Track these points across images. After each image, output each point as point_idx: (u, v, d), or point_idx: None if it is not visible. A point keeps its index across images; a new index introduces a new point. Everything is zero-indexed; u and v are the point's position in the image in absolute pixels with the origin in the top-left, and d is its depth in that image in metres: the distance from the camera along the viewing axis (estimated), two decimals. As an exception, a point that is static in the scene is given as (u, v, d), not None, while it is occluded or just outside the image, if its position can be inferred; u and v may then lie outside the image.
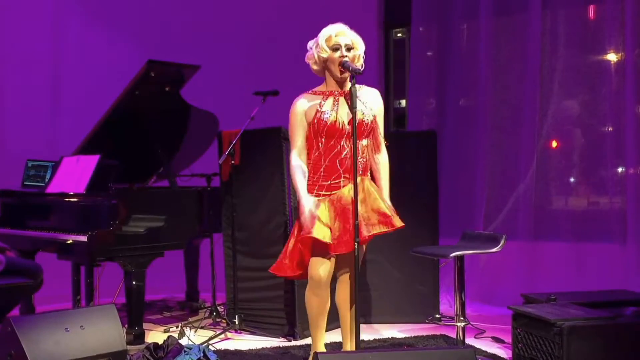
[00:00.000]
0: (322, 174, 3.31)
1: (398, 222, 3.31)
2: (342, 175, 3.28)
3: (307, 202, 3.26)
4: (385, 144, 3.48)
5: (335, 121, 3.27)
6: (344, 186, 3.28)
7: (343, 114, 3.29)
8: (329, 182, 3.29)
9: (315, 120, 3.30)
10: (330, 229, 3.23)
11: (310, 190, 3.32)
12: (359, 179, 3.24)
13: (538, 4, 5.38)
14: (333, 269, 3.34)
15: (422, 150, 4.82)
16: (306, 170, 3.36)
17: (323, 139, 3.30)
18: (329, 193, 3.29)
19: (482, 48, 5.63)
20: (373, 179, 3.45)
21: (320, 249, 3.26)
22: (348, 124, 3.27)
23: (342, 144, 3.28)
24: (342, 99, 3.33)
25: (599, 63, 5.34)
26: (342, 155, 3.29)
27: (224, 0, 6.36)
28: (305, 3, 6.17)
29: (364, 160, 3.33)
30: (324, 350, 3.46)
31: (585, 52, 5.39)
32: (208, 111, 4.89)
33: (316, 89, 3.41)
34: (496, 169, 5.64)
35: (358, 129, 3.24)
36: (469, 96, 5.78)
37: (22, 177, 4.89)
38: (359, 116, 3.26)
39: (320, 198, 3.29)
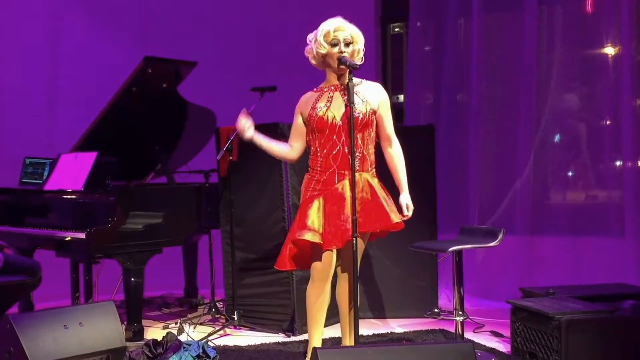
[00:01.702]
0: (318, 169, 3.33)
1: (395, 219, 3.28)
2: (337, 171, 3.29)
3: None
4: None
5: (324, 116, 3.29)
6: (338, 181, 3.29)
7: (335, 109, 3.30)
8: (324, 178, 3.31)
9: (309, 117, 3.34)
10: (323, 226, 3.25)
11: (307, 185, 3.37)
12: (357, 175, 3.25)
13: (534, -1, 5.39)
14: (334, 263, 3.34)
15: (420, 145, 4.81)
16: (285, 147, 3.47)
17: (317, 134, 3.33)
18: (325, 189, 3.30)
19: (478, 43, 5.63)
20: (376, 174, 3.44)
21: (316, 246, 3.28)
22: (340, 118, 3.27)
23: (334, 139, 3.29)
24: (336, 94, 3.33)
25: (596, 57, 5.34)
26: (335, 151, 3.29)
27: (221, -5, 6.35)
28: (303, -2, 6.16)
29: (360, 155, 3.30)
30: (321, 345, 3.46)
31: (581, 46, 5.40)
32: (205, 107, 4.88)
33: (320, 85, 3.42)
34: (494, 163, 5.64)
35: (349, 123, 3.25)
36: (466, 91, 5.78)
37: (19, 175, 4.88)
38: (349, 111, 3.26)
39: (315, 194, 3.32)
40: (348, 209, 3.22)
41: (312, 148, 3.39)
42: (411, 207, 3.35)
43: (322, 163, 3.32)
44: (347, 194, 3.25)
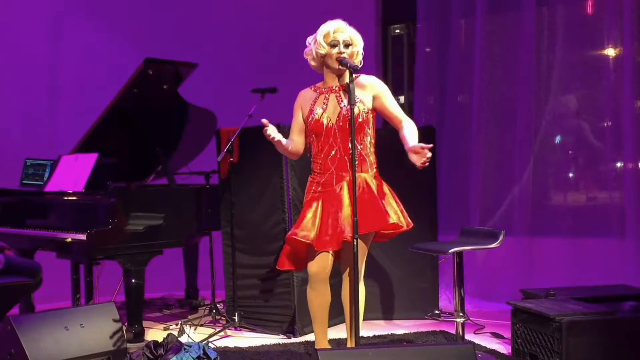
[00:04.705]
0: (318, 171, 3.35)
1: (392, 220, 3.25)
2: (335, 173, 3.30)
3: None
4: None
5: (320, 119, 3.30)
6: (336, 183, 3.29)
7: (330, 112, 3.30)
8: (323, 180, 3.33)
9: (307, 118, 3.36)
10: (319, 227, 3.25)
11: (309, 188, 3.39)
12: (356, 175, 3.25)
13: (534, 0, 5.39)
14: (331, 265, 3.33)
15: (421, 147, 4.81)
16: (293, 143, 3.44)
17: (315, 137, 3.35)
18: (324, 190, 3.31)
19: (479, 44, 5.63)
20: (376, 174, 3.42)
21: (311, 248, 3.29)
22: (335, 122, 3.28)
23: (330, 142, 3.30)
24: (331, 96, 3.33)
25: (597, 58, 5.33)
26: (332, 153, 3.30)
27: (221, -3, 6.36)
28: (304, -1, 6.16)
29: (359, 156, 3.27)
30: (328, 346, 3.46)
31: (582, 47, 5.39)
32: (206, 109, 4.89)
33: (317, 84, 3.42)
34: (494, 164, 5.64)
35: (343, 125, 3.26)
36: (467, 92, 5.78)
37: (20, 176, 4.89)
38: (343, 112, 3.26)
39: (316, 196, 3.32)
40: (345, 210, 3.21)
41: (313, 150, 3.40)
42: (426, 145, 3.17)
43: (322, 165, 3.34)
44: (345, 195, 3.24)
